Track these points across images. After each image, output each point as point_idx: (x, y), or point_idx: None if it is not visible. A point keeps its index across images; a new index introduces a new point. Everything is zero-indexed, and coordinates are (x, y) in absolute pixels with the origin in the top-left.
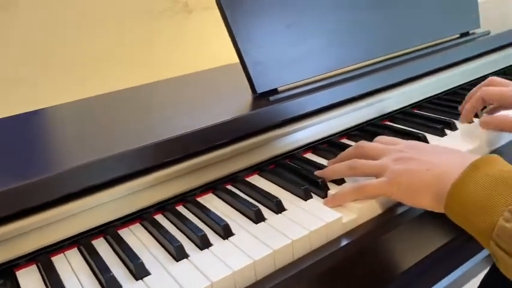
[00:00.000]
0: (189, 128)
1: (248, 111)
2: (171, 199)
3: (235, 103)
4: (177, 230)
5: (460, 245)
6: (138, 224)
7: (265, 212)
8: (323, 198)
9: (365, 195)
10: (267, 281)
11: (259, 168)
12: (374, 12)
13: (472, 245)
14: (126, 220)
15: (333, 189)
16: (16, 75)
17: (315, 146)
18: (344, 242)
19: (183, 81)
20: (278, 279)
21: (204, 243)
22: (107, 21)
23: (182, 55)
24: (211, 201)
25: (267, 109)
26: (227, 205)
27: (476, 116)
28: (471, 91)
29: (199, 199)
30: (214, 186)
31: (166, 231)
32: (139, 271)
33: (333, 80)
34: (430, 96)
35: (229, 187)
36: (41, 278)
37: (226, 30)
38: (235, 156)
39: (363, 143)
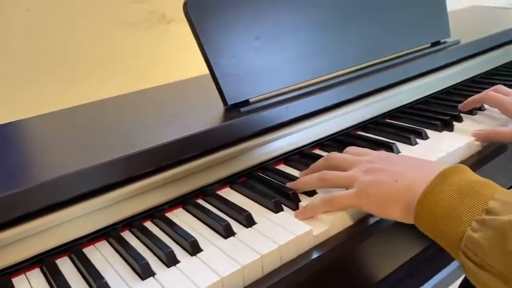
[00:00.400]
0: (157, 141)
1: (218, 124)
2: (139, 215)
3: (206, 115)
4: (144, 247)
5: (433, 254)
6: (104, 241)
7: (235, 226)
8: (294, 210)
9: (335, 206)
10: None
11: (230, 181)
12: (346, 24)
13: (445, 253)
14: (92, 237)
15: (304, 201)
16: None
17: (287, 157)
18: (315, 255)
19: (154, 92)
20: None
21: (170, 260)
22: (83, 33)
23: (160, 66)
24: (180, 216)
25: (237, 121)
26: (197, 220)
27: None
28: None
29: (168, 214)
30: (185, 201)
31: (133, 249)
32: None
33: (304, 90)
34: (402, 106)
35: (200, 201)
36: None
37: None
38: (206, 169)
39: (333, 155)
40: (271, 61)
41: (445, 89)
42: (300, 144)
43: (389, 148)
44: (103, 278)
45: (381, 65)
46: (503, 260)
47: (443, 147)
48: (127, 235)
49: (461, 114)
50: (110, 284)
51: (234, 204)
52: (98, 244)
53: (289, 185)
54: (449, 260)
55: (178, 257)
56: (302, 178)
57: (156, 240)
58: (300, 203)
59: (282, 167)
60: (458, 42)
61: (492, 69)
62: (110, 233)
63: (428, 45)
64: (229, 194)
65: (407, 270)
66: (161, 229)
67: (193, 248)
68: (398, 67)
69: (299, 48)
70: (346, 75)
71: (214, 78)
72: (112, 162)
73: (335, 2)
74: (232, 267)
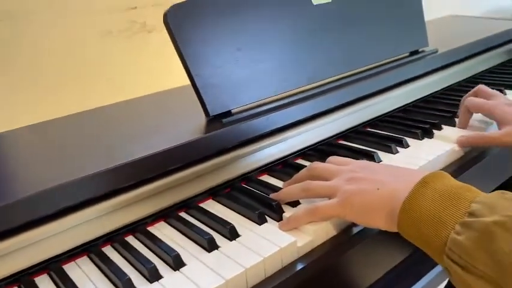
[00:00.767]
0: (138, 154)
1: (200, 135)
2: (121, 229)
3: (188, 126)
4: (126, 262)
5: (416, 261)
6: (85, 257)
7: (219, 239)
8: (278, 221)
9: (318, 216)
10: None
11: (213, 193)
12: (326, 35)
13: (428, 259)
14: (72, 253)
15: (288, 212)
16: None
17: (270, 168)
18: (299, 266)
19: (136, 104)
20: None
21: (153, 276)
22: (61, 43)
23: (141, 76)
24: (162, 230)
25: (220, 132)
26: (179, 233)
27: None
28: (464, 97)
29: (150, 228)
30: (167, 214)
31: (114, 265)
32: None
33: (286, 100)
34: (382, 114)
35: (182, 214)
36: None
37: None
38: (188, 181)
39: (316, 164)
40: (252, 72)
41: (424, 97)
42: (283, 154)
43: (370, 157)
44: None
45: (360, 74)
46: (489, 261)
47: (423, 155)
48: (108, 250)
49: (440, 122)
50: None
51: (218, 216)
52: (78, 260)
53: (272, 196)
54: (431, 266)
55: (161, 272)
56: (285, 189)
57: (139, 255)
58: (283, 214)
59: (265, 178)
60: (436, 51)
61: (470, 77)
62: (90, 249)
63: (407, 54)
64: (212, 206)
65: (392, 278)
66: (143, 244)
67: (177, 263)
68: (378, 76)
69: (280, 59)
70: (327, 85)
71: (196, 90)
72: (91, 176)
73: (314, 14)
74: (216, 282)
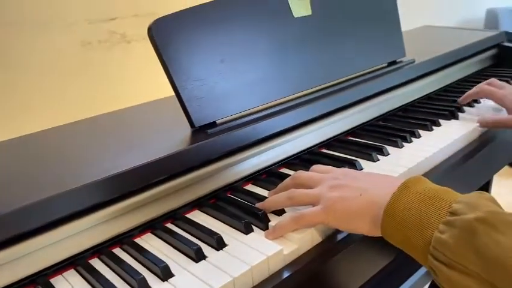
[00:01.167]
0: (124, 166)
1: (186, 146)
2: (108, 241)
3: (173, 138)
4: (114, 275)
5: (400, 264)
6: (72, 270)
7: (206, 249)
8: (264, 230)
9: (303, 224)
10: None
11: (199, 204)
12: (307, 47)
13: (411, 263)
14: (60, 267)
15: (274, 221)
16: None
17: (255, 177)
18: (286, 274)
19: (120, 116)
20: None
21: (142, 287)
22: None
23: (122, 86)
24: (150, 242)
25: (205, 143)
26: (167, 244)
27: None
28: (477, 85)
29: (137, 240)
30: (153, 225)
31: (102, 277)
32: None
33: (270, 111)
34: (363, 123)
35: (169, 225)
36: None
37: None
38: (174, 192)
39: (300, 173)
40: (236, 83)
41: (402, 106)
42: (267, 164)
43: (352, 165)
44: None
45: (342, 84)
46: (473, 257)
47: (403, 163)
48: (96, 263)
49: (418, 130)
50: None
51: (204, 227)
52: (65, 273)
53: (258, 205)
54: (414, 270)
55: (150, 283)
56: (270, 198)
57: (127, 267)
58: (269, 223)
59: (250, 187)
60: (413, 61)
61: (446, 85)
62: (77, 262)
63: (386, 65)
64: (198, 216)
65: (376, 283)
66: (131, 255)
67: (165, 274)
68: (358, 86)
69: (263, 70)
70: (308, 96)
71: (181, 102)
72: (78, 189)
73: (295, 26)
74: None
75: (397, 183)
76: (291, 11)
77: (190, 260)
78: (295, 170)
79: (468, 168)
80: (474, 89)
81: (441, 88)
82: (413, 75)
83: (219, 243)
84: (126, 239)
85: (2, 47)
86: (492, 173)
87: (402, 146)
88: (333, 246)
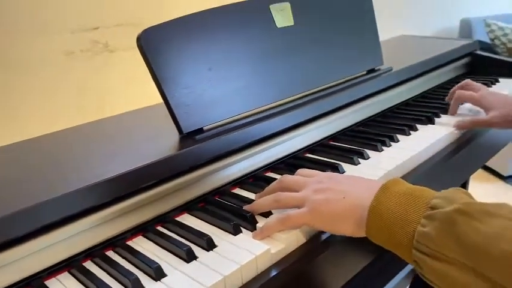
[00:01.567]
0: (114, 172)
1: (174, 152)
2: (100, 244)
3: (162, 144)
4: (108, 276)
5: (382, 265)
6: (66, 273)
7: (197, 250)
8: (252, 231)
9: (289, 225)
10: None
11: (188, 207)
12: (290, 55)
13: (393, 262)
14: (54, 269)
15: (261, 222)
16: None
17: (242, 181)
18: (274, 272)
19: (109, 123)
20: None
21: (136, 287)
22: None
23: (106, 95)
24: (141, 244)
25: (193, 148)
26: (158, 246)
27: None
28: (452, 89)
29: (129, 242)
30: (145, 228)
31: (97, 278)
32: None
33: (256, 117)
34: (344, 128)
35: (160, 228)
36: None
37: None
38: (163, 197)
39: (286, 177)
40: (223, 91)
41: (381, 112)
42: (254, 168)
43: (335, 168)
44: None
45: (323, 92)
46: (454, 245)
47: (383, 166)
48: (90, 265)
49: (397, 135)
50: None
51: (194, 229)
52: (60, 276)
53: (246, 207)
54: (398, 269)
55: (144, 283)
56: (258, 200)
57: (120, 268)
58: (257, 224)
59: (238, 191)
60: (391, 69)
61: (423, 92)
62: (72, 264)
63: (364, 72)
64: (188, 219)
65: (360, 281)
66: (124, 257)
67: (158, 274)
68: (339, 93)
69: (248, 78)
70: (292, 102)
71: (170, 109)
72: (70, 194)
73: (278, 36)
74: None
75: (376, 186)
76: (274, 21)
77: (181, 261)
78: (281, 174)
79: (444, 169)
80: (454, 97)
81: (418, 94)
82: (391, 83)
83: (209, 244)
84: (118, 242)
85: None
86: (468, 174)
87: (382, 150)
88: (318, 245)
